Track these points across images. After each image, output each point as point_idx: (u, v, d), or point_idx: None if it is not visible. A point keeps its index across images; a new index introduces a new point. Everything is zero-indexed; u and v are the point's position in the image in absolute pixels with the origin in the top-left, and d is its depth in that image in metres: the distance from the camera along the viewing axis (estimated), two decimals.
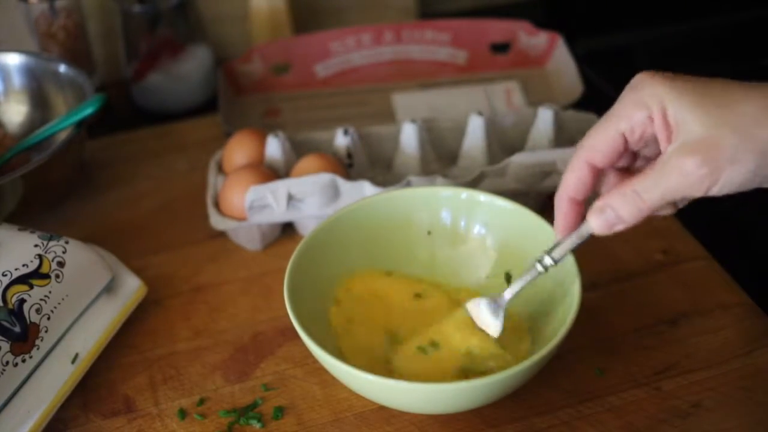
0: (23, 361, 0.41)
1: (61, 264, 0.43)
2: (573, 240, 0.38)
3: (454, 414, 0.41)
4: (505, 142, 0.56)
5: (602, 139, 0.35)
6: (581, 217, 0.38)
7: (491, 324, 0.41)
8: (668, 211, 0.36)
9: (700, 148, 0.32)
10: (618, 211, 0.35)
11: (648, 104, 0.33)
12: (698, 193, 0.33)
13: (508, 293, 0.41)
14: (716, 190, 0.33)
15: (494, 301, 0.41)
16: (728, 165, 0.32)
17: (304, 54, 0.65)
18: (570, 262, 0.41)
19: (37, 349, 0.41)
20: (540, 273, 0.39)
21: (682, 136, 0.33)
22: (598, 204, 0.35)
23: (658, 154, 0.35)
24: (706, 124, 0.32)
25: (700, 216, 0.54)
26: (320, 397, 0.43)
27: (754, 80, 0.59)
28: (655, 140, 0.35)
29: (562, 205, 0.38)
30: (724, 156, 0.32)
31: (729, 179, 0.32)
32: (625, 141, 0.35)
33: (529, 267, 0.40)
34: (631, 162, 0.37)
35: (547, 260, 0.39)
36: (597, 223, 0.36)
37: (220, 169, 0.55)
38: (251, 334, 0.47)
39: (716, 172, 0.32)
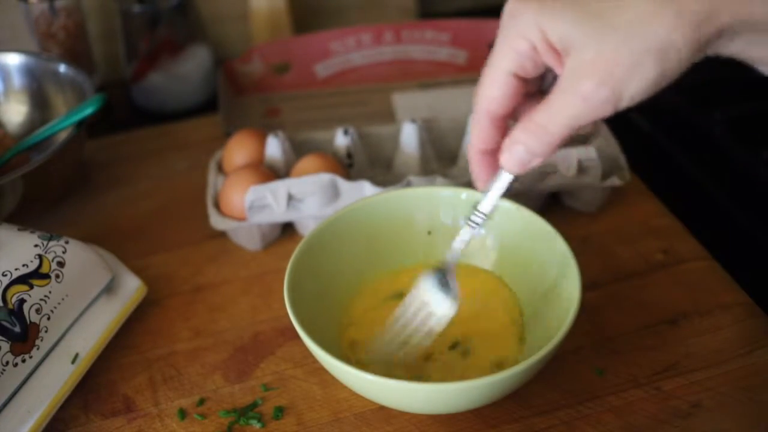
0: (23, 361, 0.41)
1: (61, 264, 0.43)
2: (496, 188, 0.36)
3: (454, 414, 0.41)
4: None
5: (494, 85, 0.34)
6: (496, 166, 0.36)
7: (443, 301, 0.40)
8: (586, 130, 0.34)
9: (595, 68, 0.30)
10: (527, 145, 0.33)
11: (527, 34, 0.32)
12: (605, 113, 0.31)
13: (450, 258, 0.39)
14: (623, 105, 0.31)
15: (440, 274, 0.40)
16: (628, 78, 0.30)
17: (304, 54, 0.65)
18: (570, 261, 0.41)
19: (37, 349, 0.41)
20: (474, 229, 0.38)
21: (573, 59, 0.31)
22: (505, 142, 0.34)
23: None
24: (592, 39, 0.30)
25: (700, 216, 0.55)
26: (320, 397, 0.43)
27: (749, 82, 0.59)
28: (546, 65, 0.33)
29: (474, 158, 0.36)
30: (621, 70, 0.30)
31: (634, 91, 0.30)
32: (518, 78, 0.33)
33: (462, 227, 0.39)
34: (541, 84, 0.35)
35: (477, 217, 0.38)
36: (509, 163, 0.34)
37: (220, 169, 0.55)
38: (251, 334, 0.47)
39: (618, 89, 0.30)
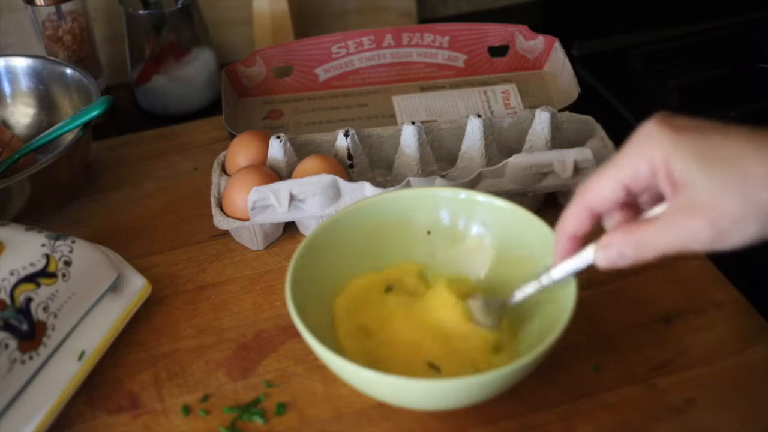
0: (30, 358, 0.41)
1: (67, 263, 0.44)
2: (573, 264, 0.39)
3: (452, 410, 0.41)
4: (503, 143, 0.57)
5: (604, 188, 0.36)
6: (581, 248, 0.39)
7: (483, 321, 0.42)
8: (671, 255, 0.36)
9: (706, 211, 0.32)
10: (621, 250, 0.36)
11: (652, 159, 0.34)
12: (700, 248, 0.34)
13: (511, 300, 0.42)
14: (719, 247, 0.33)
15: (494, 302, 0.42)
16: (733, 230, 0.32)
17: (306, 57, 0.66)
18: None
19: (44, 346, 0.42)
20: (539, 288, 0.41)
21: (689, 195, 0.33)
22: (604, 240, 0.36)
23: (663, 196, 0.36)
24: (711, 185, 0.32)
25: None
26: (321, 394, 0.44)
27: (749, 84, 0.59)
28: (658, 187, 0.35)
29: (561, 239, 0.39)
30: (728, 221, 0.32)
31: (733, 241, 0.33)
32: (627, 190, 0.36)
33: (530, 280, 0.41)
34: (635, 198, 0.37)
35: (546, 279, 0.40)
36: (600, 258, 0.37)
37: (224, 170, 0.56)
38: (254, 331, 0.48)
39: (721, 236, 0.33)
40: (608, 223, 0.38)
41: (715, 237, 0.33)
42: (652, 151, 0.34)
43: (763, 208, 0.32)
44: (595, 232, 0.38)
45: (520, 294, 0.42)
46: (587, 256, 0.38)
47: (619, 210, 0.37)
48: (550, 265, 0.40)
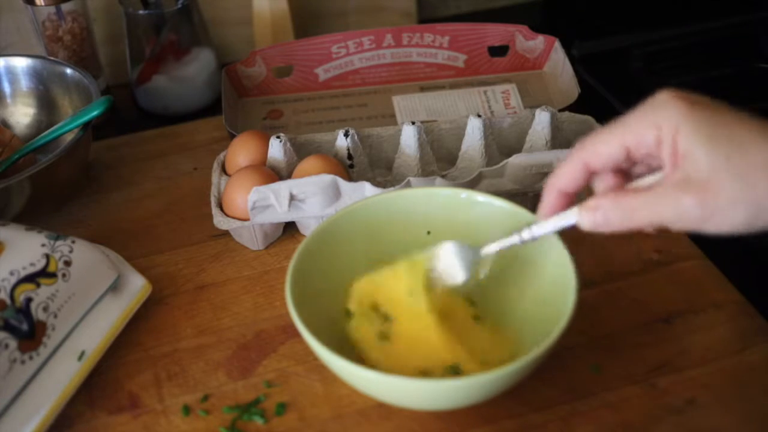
0: (30, 358, 0.41)
1: (67, 263, 0.44)
2: (556, 222, 0.38)
3: (453, 410, 0.41)
4: (503, 143, 0.57)
5: (605, 147, 0.35)
6: (567, 207, 0.38)
7: (457, 269, 0.41)
8: (651, 230, 0.36)
9: (701, 190, 0.32)
10: (608, 215, 0.35)
11: (661, 127, 0.33)
12: (686, 227, 0.33)
13: (484, 250, 0.41)
14: (705, 228, 0.33)
15: (467, 249, 0.42)
16: (722, 213, 0.32)
17: (306, 57, 0.66)
18: (566, 261, 0.41)
19: (44, 346, 0.42)
20: (517, 242, 0.40)
21: (688, 170, 0.33)
22: (591, 202, 0.36)
23: (659, 166, 0.35)
24: (712, 164, 0.32)
25: None
26: (321, 394, 0.44)
27: (749, 84, 0.59)
28: (658, 157, 0.35)
29: (551, 193, 0.38)
30: (721, 202, 0.32)
31: (719, 225, 0.32)
32: (628, 154, 0.35)
33: (509, 234, 0.40)
34: (631, 165, 0.37)
35: (526, 233, 0.39)
36: (586, 220, 0.36)
37: (224, 170, 0.56)
38: (254, 332, 0.48)
39: (709, 217, 0.32)
40: (599, 186, 0.37)
41: (703, 217, 0.32)
42: (663, 119, 0.33)
43: (756, 196, 0.32)
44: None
45: (497, 245, 0.41)
46: (571, 215, 0.37)
47: (613, 174, 0.37)
48: (532, 221, 0.39)
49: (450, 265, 0.42)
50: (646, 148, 0.34)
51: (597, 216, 0.35)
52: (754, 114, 0.33)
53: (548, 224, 0.38)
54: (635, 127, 0.34)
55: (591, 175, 0.37)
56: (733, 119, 0.32)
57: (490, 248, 0.41)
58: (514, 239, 0.40)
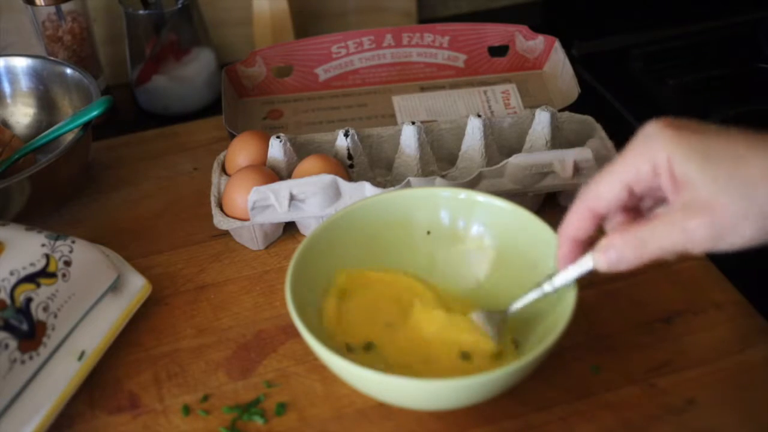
0: (30, 358, 0.41)
1: (67, 263, 0.44)
2: (574, 271, 0.39)
3: (453, 410, 0.42)
4: (503, 143, 0.57)
5: (606, 189, 0.36)
6: (583, 253, 0.39)
7: (489, 336, 0.42)
8: (671, 257, 0.36)
9: (706, 211, 0.32)
10: (621, 252, 0.35)
11: (654, 158, 0.34)
12: (699, 249, 0.34)
13: (510, 309, 0.42)
14: (719, 247, 0.33)
15: (497, 313, 0.43)
16: (731, 230, 0.32)
17: (306, 57, 0.66)
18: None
19: (44, 346, 0.42)
20: (540, 296, 0.41)
21: (689, 194, 0.33)
22: (603, 242, 0.36)
23: (664, 197, 0.36)
24: (712, 185, 0.32)
25: None
26: (321, 394, 0.44)
27: (749, 84, 0.59)
28: (661, 188, 0.35)
29: (564, 243, 0.39)
30: (727, 222, 0.32)
31: (731, 241, 0.33)
32: (630, 191, 0.36)
33: (531, 289, 0.41)
34: (637, 202, 0.37)
35: (548, 287, 0.40)
36: (600, 261, 0.37)
37: (223, 170, 0.56)
38: (254, 331, 0.48)
39: (719, 236, 0.33)
40: (609, 226, 0.38)
41: (713, 237, 0.33)
42: (655, 150, 0.34)
43: (761, 208, 0.32)
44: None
45: (521, 302, 0.42)
46: (588, 261, 0.38)
47: (622, 213, 0.37)
48: (552, 272, 0.40)
49: (487, 332, 0.43)
50: (646, 181, 0.35)
51: (610, 255, 0.36)
52: (744, 126, 0.34)
53: (568, 273, 0.39)
54: (630, 164, 0.35)
55: (599, 219, 0.37)
56: (724, 138, 0.33)
57: (516, 306, 0.42)
58: (537, 294, 0.41)
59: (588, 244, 0.39)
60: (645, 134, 0.35)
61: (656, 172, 0.34)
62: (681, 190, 0.34)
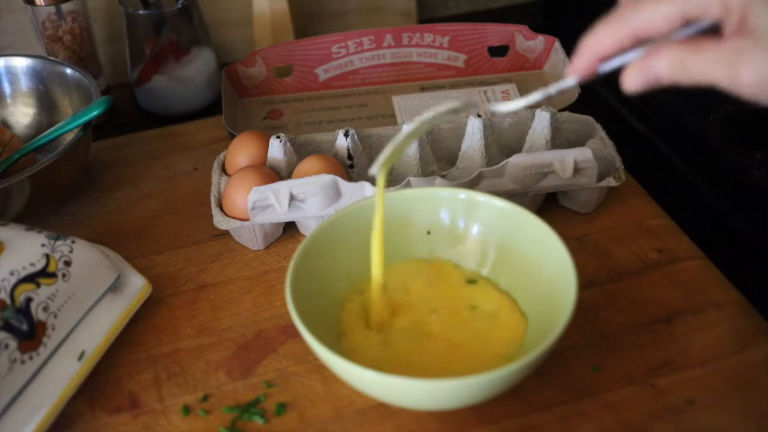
0: (30, 358, 0.41)
1: (67, 263, 0.44)
2: (565, 83, 0.36)
3: (453, 410, 0.42)
4: (503, 143, 0.57)
5: (662, 16, 0.32)
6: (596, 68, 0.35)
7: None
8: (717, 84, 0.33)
9: (764, 43, 0.30)
10: (659, 71, 0.33)
11: (729, 2, 0.31)
12: (743, 85, 0.31)
13: (493, 106, 0.39)
14: (740, 87, 0.31)
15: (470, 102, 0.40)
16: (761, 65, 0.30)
17: (306, 57, 0.66)
18: (566, 261, 0.41)
19: (44, 346, 0.42)
20: (540, 98, 0.38)
21: (752, 34, 0.31)
22: (642, 62, 0.33)
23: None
24: None
25: (694, 216, 0.55)
26: (321, 394, 0.44)
27: None
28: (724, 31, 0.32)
29: (585, 58, 0.35)
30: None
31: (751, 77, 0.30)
32: (686, 21, 0.32)
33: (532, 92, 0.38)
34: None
35: (553, 88, 0.37)
36: (633, 80, 0.33)
37: (223, 170, 0.56)
38: (254, 332, 0.48)
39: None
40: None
41: (762, 71, 0.30)
42: None
43: None
44: None
45: (522, 101, 0.38)
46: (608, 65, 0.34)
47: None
48: (559, 79, 0.37)
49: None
50: (712, 13, 0.32)
51: (647, 74, 0.33)
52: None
53: (567, 83, 0.36)
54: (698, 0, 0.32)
55: (636, 42, 0.34)
56: None
57: (503, 108, 0.38)
58: (538, 96, 0.37)
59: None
60: None
61: (728, 8, 0.31)
62: (745, 34, 0.31)
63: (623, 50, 0.34)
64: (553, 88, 0.37)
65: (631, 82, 0.34)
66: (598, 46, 0.34)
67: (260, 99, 0.67)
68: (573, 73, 0.36)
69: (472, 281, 0.46)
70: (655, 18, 0.33)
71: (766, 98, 0.31)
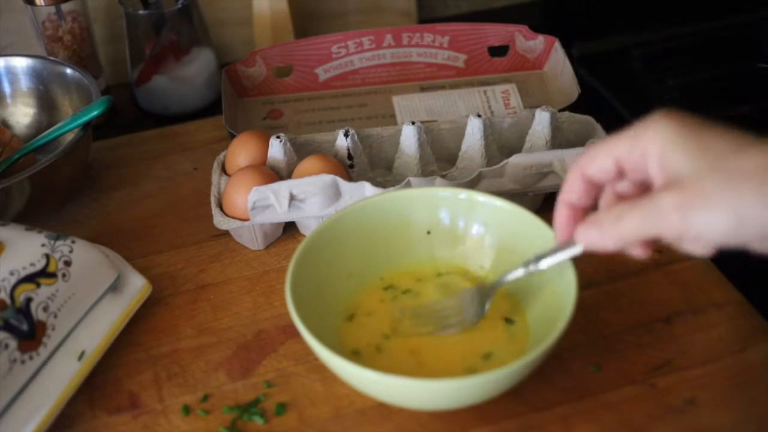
0: (30, 358, 0.41)
1: (67, 263, 0.44)
2: (562, 253, 0.39)
3: (453, 411, 0.42)
4: (503, 143, 0.57)
5: (598, 157, 0.36)
6: (577, 222, 0.38)
7: (476, 312, 0.43)
8: (643, 253, 0.36)
9: (680, 188, 0.32)
10: (600, 228, 0.35)
11: (647, 145, 0.34)
12: (670, 232, 0.33)
13: (495, 285, 0.43)
14: (691, 236, 0.32)
15: (482, 290, 0.43)
16: (703, 212, 0.31)
17: (306, 57, 0.66)
18: (566, 262, 0.41)
19: (44, 346, 0.42)
20: (525, 272, 0.41)
21: (672, 176, 0.33)
22: (588, 218, 0.37)
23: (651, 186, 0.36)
24: (696, 170, 0.32)
25: None
26: (321, 394, 0.44)
27: (749, 84, 0.59)
28: (649, 175, 0.35)
29: (560, 208, 0.39)
30: (701, 202, 0.31)
31: (703, 225, 0.31)
32: (619, 167, 0.36)
33: (517, 266, 0.42)
34: (633, 191, 0.37)
35: (534, 267, 0.41)
36: (580, 237, 0.37)
37: (223, 170, 0.56)
38: (254, 331, 0.48)
39: (688, 215, 0.32)
40: (603, 202, 0.38)
41: (683, 215, 0.31)
42: (652, 133, 0.34)
43: (740, 202, 0.31)
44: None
45: (508, 277, 0.42)
46: (577, 247, 0.38)
47: (613, 196, 0.37)
48: (541, 252, 0.40)
49: (465, 309, 0.43)
50: (634, 162, 0.35)
51: (589, 231, 0.36)
52: (744, 126, 0.33)
53: (554, 258, 0.40)
54: (624, 144, 0.35)
55: (592, 188, 0.38)
56: (720, 135, 0.33)
57: (499, 282, 0.42)
58: (523, 271, 0.41)
59: (583, 214, 0.38)
60: (648, 121, 0.35)
61: (645, 154, 0.34)
62: (666, 175, 0.33)
63: (581, 194, 0.38)
64: (533, 266, 0.41)
65: (580, 239, 0.37)
66: (563, 194, 0.38)
67: (260, 99, 0.66)
68: (558, 231, 0.39)
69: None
70: (593, 157, 0.37)
71: (692, 231, 0.32)
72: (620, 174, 0.36)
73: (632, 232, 0.34)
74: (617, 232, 0.35)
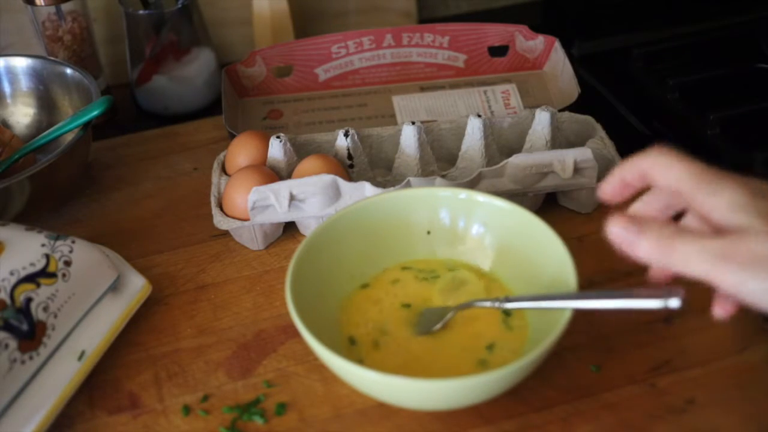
0: (30, 358, 0.41)
1: (67, 263, 0.44)
2: (531, 303, 0.41)
3: (452, 410, 0.42)
4: (503, 143, 0.57)
5: (673, 169, 0.35)
6: (627, 195, 0.38)
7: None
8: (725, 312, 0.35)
9: (741, 252, 0.32)
10: (650, 243, 0.34)
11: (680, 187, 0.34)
12: (722, 279, 0.32)
13: (458, 307, 0.44)
14: (743, 286, 0.32)
15: (442, 310, 0.44)
16: (747, 278, 0.31)
17: (306, 57, 0.66)
18: (567, 261, 0.41)
19: (44, 346, 0.42)
20: (491, 308, 0.43)
21: (740, 229, 0.32)
22: (639, 226, 0.35)
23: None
24: (758, 225, 0.32)
25: None
26: (321, 394, 0.44)
27: (749, 84, 0.59)
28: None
29: (617, 174, 0.37)
30: (749, 259, 0.31)
31: (749, 290, 0.32)
32: (676, 193, 0.35)
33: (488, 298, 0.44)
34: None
35: (498, 304, 0.42)
36: (615, 229, 0.35)
37: (223, 170, 0.56)
38: (254, 331, 0.48)
39: (739, 278, 0.32)
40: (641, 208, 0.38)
41: (737, 280, 0.32)
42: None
43: None
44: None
45: (474, 303, 0.44)
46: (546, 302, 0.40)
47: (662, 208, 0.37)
48: (511, 297, 0.42)
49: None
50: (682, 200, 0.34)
51: (642, 243, 0.34)
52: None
53: (523, 304, 0.42)
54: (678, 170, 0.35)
55: (637, 184, 0.37)
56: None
57: (463, 306, 0.44)
58: (487, 305, 0.43)
59: (632, 193, 0.37)
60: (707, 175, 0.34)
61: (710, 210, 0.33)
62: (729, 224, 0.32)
63: (637, 184, 0.37)
64: (497, 304, 0.43)
65: (613, 229, 0.35)
66: (622, 174, 0.37)
67: (260, 99, 0.66)
68: (604, 191, 0.38)
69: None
70: (658, 174, 0.35)
71: (746, 285, 0.32)
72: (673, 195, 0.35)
73: (679, 263, 0.33)
74: (668, 257, 0.33)
